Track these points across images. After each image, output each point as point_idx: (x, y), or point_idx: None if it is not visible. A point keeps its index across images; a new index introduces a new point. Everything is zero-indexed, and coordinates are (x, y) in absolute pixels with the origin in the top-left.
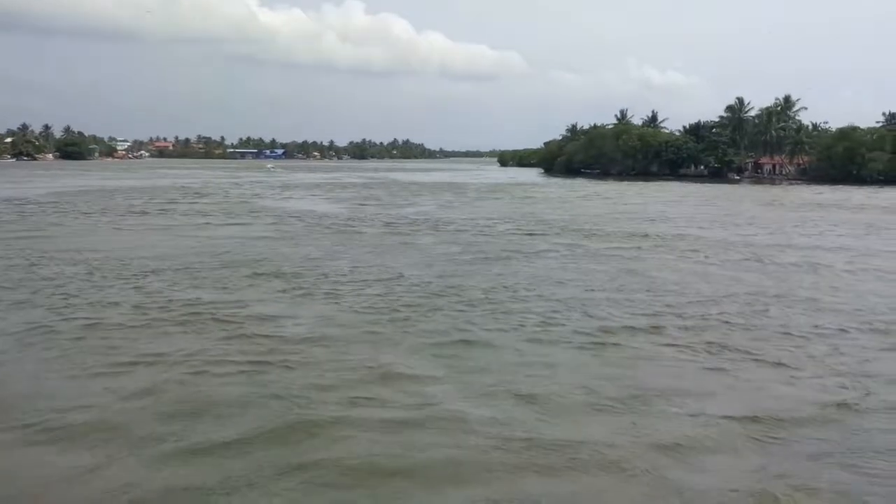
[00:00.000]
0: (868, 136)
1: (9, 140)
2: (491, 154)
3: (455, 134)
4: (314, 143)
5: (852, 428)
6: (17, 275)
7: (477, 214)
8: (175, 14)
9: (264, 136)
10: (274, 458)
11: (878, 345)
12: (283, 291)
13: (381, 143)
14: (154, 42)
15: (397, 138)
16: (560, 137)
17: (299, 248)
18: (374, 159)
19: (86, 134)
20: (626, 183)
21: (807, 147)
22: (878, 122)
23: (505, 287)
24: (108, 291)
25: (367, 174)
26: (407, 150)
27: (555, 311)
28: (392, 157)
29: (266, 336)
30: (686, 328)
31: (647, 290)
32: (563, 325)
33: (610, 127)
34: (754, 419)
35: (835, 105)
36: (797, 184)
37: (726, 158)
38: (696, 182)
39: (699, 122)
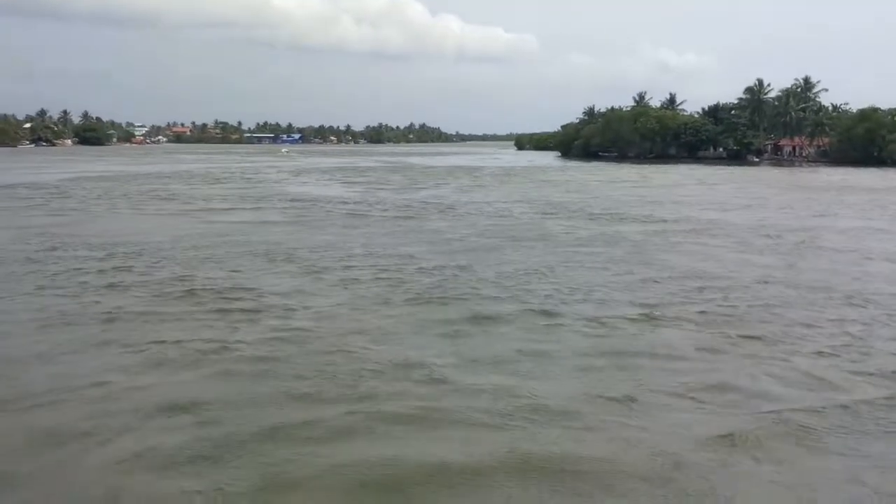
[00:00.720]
0: (889, 117)
1: (27, 126)
2: (507, 137)
3: (471, 117)
4: (331, 127)
5: None
6: (37, 258)
7: (492, 198)
8: None
9: (281, 121)
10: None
11: None
12: (295, 274)
13: (398, 127)
14: (169, 27)
15: (414, 122)
16: (577, 120)
17: (312, 232)
18: (391, 143)
19: (104, 119)
20: (644, 166)
21: (827, 129)
22: None
23: (520, 271)
24: (123, 275)
25: (383, 158)
26: (423, 134)
27: (571, 297)
28: (408, 141)
29: (276, 317)
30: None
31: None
32: (586, 312)
33: (628, 109)
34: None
35: (855, 86)
36: (817, 165)
37: (745, 140)
38: (714, 164)
39: (718, 103)
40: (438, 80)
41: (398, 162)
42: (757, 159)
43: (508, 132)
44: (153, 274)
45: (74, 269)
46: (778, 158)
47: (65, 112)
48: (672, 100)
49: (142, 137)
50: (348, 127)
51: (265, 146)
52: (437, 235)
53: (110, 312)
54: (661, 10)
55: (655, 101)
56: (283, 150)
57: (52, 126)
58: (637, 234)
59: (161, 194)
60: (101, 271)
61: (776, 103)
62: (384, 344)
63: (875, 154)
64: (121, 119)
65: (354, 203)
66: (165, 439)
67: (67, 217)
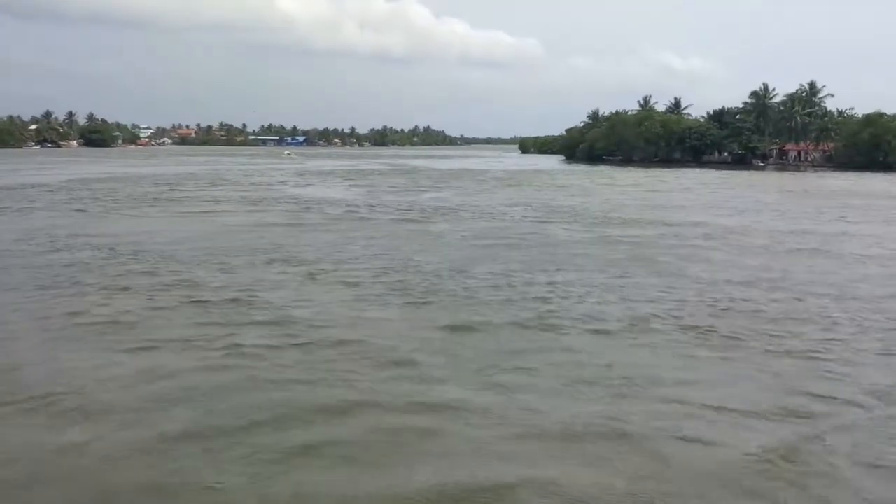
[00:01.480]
0: (894, 122)
1: (33, 127)
2: (512, 141)
3: (475, 121)
4: (335, 130)
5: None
6: (40, 259)
7: (495, 202)
8: (194, 1)
9: (285, 124)
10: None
11: None
12: (294, 276)
13: (402, 129)
14: (175, 29)
15: (418, 125)
16: (581, 124)
17: (311, 234)
18: (395, 146)
19: (109, 121)
20: (649, 170)
21: (832, 133)
22: None
23: (522, 273)
24: (124, 277)
25: (386, 161)
26: (428, 137)
27: (566, 301)
28: (413, 144)
29: (273, 320)
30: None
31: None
32: (586, 317)
33: (632, 113)
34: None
35: (860, 91)
36: (823, 170)
37: (750, 145)
38: (720, 169)
39: (723, 108)
40: (443, 83)
41: (402, 165)
42: (762, 164)
43: (513, 135)
44: (153, 275)
45: (76, 268)
46: (783, 163)
47: (70, 114)
48: (677, 104)
49: (147, 139)
50: (352, 130)
51: (269, 148)
52: (438, 240)
53: (111, 312)
54: (665, 14)
55: (660, 106)
56: (285, 153)
57: (58, 127)
58: (640, 238)
59: (164, 196)
60: (102, 271)
61: (781, 108)
62: (372, 345)
63: (881, 159)
64: (126, 121)
65: (356, 206)
66: (160, 433)
67: (71, 218)
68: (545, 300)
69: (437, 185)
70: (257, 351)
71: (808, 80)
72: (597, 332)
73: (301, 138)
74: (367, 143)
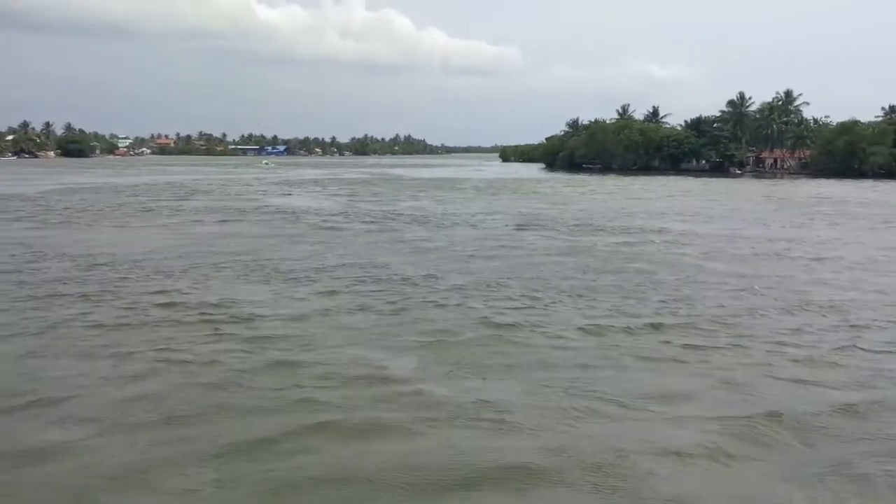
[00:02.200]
0: (869, 130)
1: (10, 137)
2: (493, 149)
3: (457, 130)
4: (316, 139)
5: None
6: (13, 275)
7: (474, 210)
8: (173, 8)
9: (266, 133)
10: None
11: None
12: (269, 285)
13: (383, 139)
14: (154, 38)
15: (399, 134)
16: (561, 133)
17: (287, 244)
18: (376, 155)
19: (87, 131)
20: (628, 178)
21: (808, 141)
22: (877, 116)
23: (496, 283)
24: (101, 287)
25: (367, 170)
26: (409, 146)
27: (544, 311)
28: (394, 153)
29: (247, 330)
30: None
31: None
32: (559, 326)
33: (611, 122)
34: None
35: (836, 99)
36: (798, 178)
37: (728, 153)
38: (697, 177)
39: (700, 116)
40: (424, 92)
41: (383, 174)
42: (739, 171)
43: (493, 144)
44: (127, 285)
45: (52, 280)
46: (759, 171)
47: (48, 124)
48: (655, 112)
49: (125, 149)
50: (333, 139)
51: (249, 158)
52: (413, 248)
53: (88, 320)
54: (644, 23)
55: (638, 114)
56: (263, 162)
57: (35, 138)
58: (614, 245)
59: (140, 207)
60: (80, 282)
61: (758, 116)
62: (346, 351)
63: (856, 167)
64: (104, 131)
65: (333, 215)
66: (135, 436)
67: (48, 230)
68: (517, 309)
69: (417, 195)
70: (229, 359)
71: (785, 89)
72: (559, 338)
73: (282, 147)
74: (347, 153)
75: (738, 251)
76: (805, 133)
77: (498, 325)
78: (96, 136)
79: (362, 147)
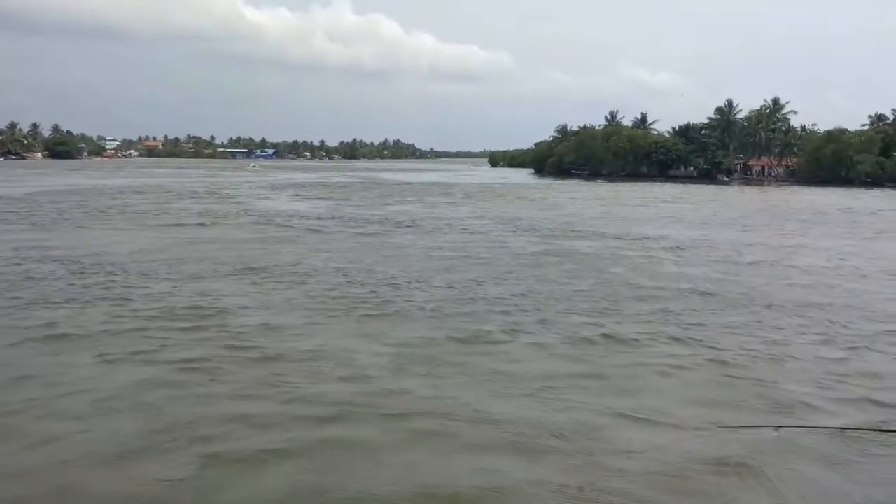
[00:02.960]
0: (856, 138)
1: None
2: (482, 154)
3: (446, 134)
4: (305, 142)
5: None
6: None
7: (463, 214)
8: (162, 10)
9: (255, 136)
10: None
11: None
12: (253, 288)
13: (372, 143)
14: (142, 40)
15: (388, 138)
16: (550, 138)
17: (274, 247)
18: (365, 159)
19: (74, 133)
20: (616, 184)
21: (795, 149)
22: (863, 124)
23: (478, 283)
24: (86, 289)
25: (356, 174)
26: (398, 151)
27: (523, 315)
28: (383, 157)
29: (232, 333)
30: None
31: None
32: (544, 332)
33: (600, 128)
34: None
35: (823, 107)
36: (785, 185)
37: (715, 160)
38: (685, 183)
39: (688, 123)
40: (413, 97)
41: (372, 178)
42: (727, 178)
43: (482, 149)
44: (112, 287)
45: (37, 280)
46: (747, 178)
47: (35, 125)
48: (643, 119)
49: (113, 151)
50: (322, 143)
51: (238, 161)
52: (400, 252)
53: (71, 323)
54: (635, 30)
55: (628, 120)
56: (250, 166)
57: (22, 139)
58: (598, 249)
59: (126, 209)
60: (63, 283)
61: (745, 124)
62: (328, 356)
63: (842, 174)
64: (92, 132)
65: (320, 219)
66: (116, 437)
67: (35, 232)
68: (504, 312)
69: (406, 199)
70: (213, 363)
71: (773, 97)
72: (537, 344)
73: (270, 151)
74: (336, 157)
75: (718, 256)
76: (792, 141)
77: (477, 330)
78: (83, 137)
79: (351, 151)
